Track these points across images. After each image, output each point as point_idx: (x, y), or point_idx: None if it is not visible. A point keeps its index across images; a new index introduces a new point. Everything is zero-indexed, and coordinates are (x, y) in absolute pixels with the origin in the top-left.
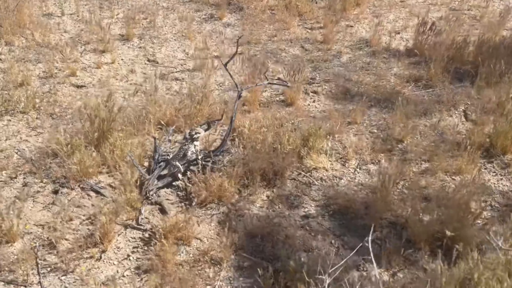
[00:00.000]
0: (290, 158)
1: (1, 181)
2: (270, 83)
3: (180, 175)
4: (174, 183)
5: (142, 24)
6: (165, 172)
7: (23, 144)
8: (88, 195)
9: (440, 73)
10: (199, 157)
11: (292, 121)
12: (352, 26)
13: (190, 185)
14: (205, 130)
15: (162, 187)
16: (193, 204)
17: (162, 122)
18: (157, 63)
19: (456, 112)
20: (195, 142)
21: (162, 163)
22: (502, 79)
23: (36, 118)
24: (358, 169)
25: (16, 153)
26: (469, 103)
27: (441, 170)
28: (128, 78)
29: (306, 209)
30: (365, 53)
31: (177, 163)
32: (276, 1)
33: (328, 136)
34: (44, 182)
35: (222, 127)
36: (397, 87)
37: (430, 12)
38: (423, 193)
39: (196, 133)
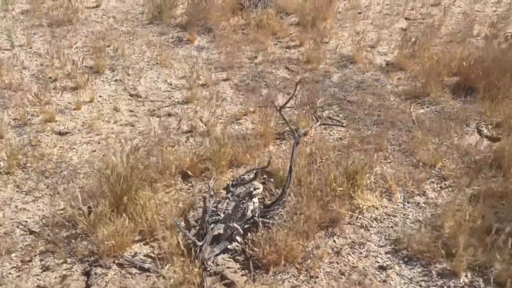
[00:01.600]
0: (344, 201)
1: (13, 267)
2: (324, 124)
3: (239, 238)
4: (229, 247)
5: (108, 53)
6: (215, 234)
7: (22, 214)
8: (130, 273)
9: (439, 89)
10: (256, 213)
11: (326, 156)
12: (327, 42)
13: (253, 247)
14: (259, 184)
15: (219, 254)
16: (258, 270)
17: (188, 172)
18: (141, 97)
19: (469, 129)
20: (253, 199)
21: (212, 225)
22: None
23: (27, 178)
24: (406, 203)
25: (18, 227)
26: (477, 118)
27: (487, 196)
28: (115, 118)
29: (378, 259)
30: (352, 71)
31: (235, 224)
32: (244, 20)
33: (369, 171)
34: (68, 262)
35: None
36: (399, 106)
37: (393, 23)
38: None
39: (255, 189)
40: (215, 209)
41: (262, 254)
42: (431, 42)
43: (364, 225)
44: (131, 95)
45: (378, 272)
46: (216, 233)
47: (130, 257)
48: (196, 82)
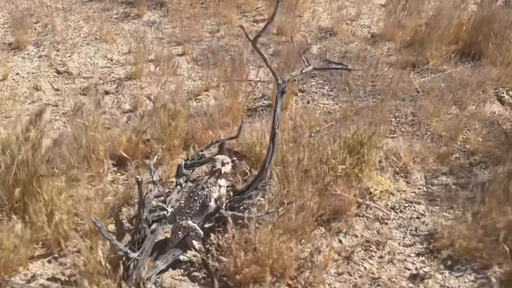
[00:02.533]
0: (350, 183)
1: None
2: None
3: (197, 243)
4: (181, 258)
5: (35, 29)
6: (159, 239)
7: None
8: None
9: (439, 57)
10: (223, 204)
11: (316, 129)
12: (301, 16)
13: (220, 256)
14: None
15: (165, 270)
16: None
17: (123, 154)
18: (71, 74)
19: (487, 96)
20: (219, 182)
21: (154, 225)
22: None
23: None
24: (430, 186)
25: None
26: (493, 84)
27: None
28: (33, 97)
29: (408, 264)
30: (334, 42)
31: (190, 222)
32: None
33: (378, 144)
34: None
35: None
36: (396, 75)
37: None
38: None
39: (223, 164)
40: (161, 203)
41: (234, 266)
42: (421, 8)
43: (380, 217)
44: (58, 72)
45: (412, 284)
46: (160, 237)
47: (22, 282)
48: (144, 58)
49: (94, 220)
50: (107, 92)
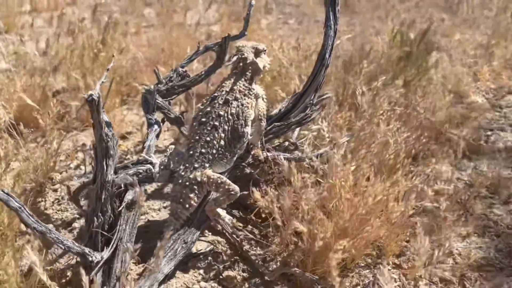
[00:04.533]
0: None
1: None
2: None
3: (227, 217)
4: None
5: None
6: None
7: None
8: None
9: None
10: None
11: None
12: None
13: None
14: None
15: (171, 274)
16: None
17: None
18: None
19: None
20: (255, 88)
21: (129, 195)
22: None
23: None
24: None
25: None
26: None
27: None
28: None
29: None
30: None
31: (210, 171)
32: None
33: None
34: None
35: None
36: None
37: None
38: None
39: (258, 52)
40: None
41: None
42: None
43: None
44: None
45: None
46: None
47: None
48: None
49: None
50: None
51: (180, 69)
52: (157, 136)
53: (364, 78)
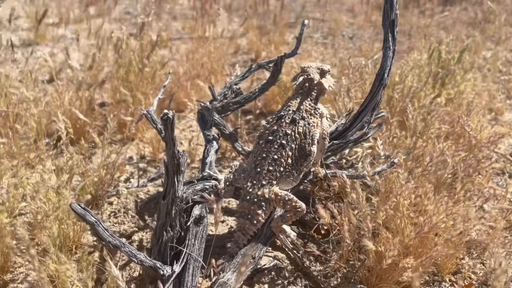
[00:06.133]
0: None
1: None
2: None
3: (292, 232)
4: (269, 263)
5: None
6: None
7: None
8: None
9: None
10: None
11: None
12: None
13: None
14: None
15: None
16: None
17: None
18: None
19: None
20: (321, 108)
21: (197, 209)
22: None
23: None
24: None
25: None
26: None
27: None
28: None
29: None
30: None
31: (277, 188)
32: None
33: None
34: None
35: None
36: None
37: None
38: None
39: (323, 73)
40: (207, 173)
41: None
42: None
43: None
44: None
45: None
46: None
47: None
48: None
49: (77, 207)
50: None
51: (234, 86)
52: (216, 151)
53: (406, 96)
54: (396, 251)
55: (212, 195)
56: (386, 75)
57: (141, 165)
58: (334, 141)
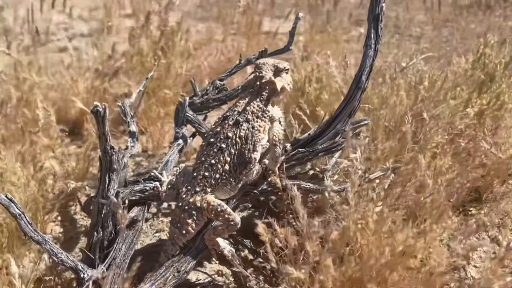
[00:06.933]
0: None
1: None
2: None
3: (226, 245)
4: (198, 276)
5: None
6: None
7: None
8: None
9: None
10: (278, 162)
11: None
12: None
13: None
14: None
15: None
16: None
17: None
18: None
19: None
20: (272, 110)
21: (134, 211)
22: None
23: None
24: None
25: None
26: None
27: None
28: None
29: None
30: None
31: (211, 197)
32: None
33: None
34: None
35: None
36: None
37: None
38: None
39: (278, 71)
40: (152, 171)
41: None
42: None
43: None
44: None
45: None
46: (145, 238)
47: None
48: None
49: (2, 197)
50: (62, 50)
51: (218, 82)
52: (180, 151)
53: (427, 104)
54: (331, 282)
55: (159, 191)
56: (364, 78)
57: (138, 158)
58: (300, 149)
